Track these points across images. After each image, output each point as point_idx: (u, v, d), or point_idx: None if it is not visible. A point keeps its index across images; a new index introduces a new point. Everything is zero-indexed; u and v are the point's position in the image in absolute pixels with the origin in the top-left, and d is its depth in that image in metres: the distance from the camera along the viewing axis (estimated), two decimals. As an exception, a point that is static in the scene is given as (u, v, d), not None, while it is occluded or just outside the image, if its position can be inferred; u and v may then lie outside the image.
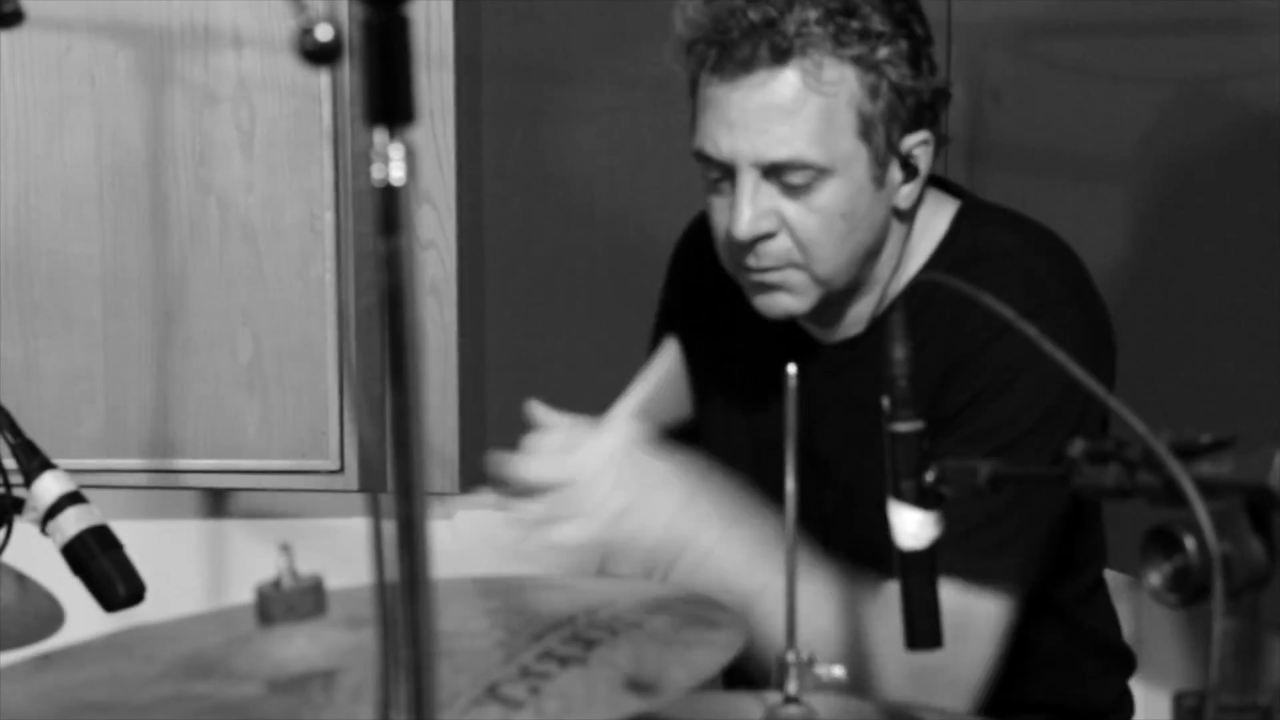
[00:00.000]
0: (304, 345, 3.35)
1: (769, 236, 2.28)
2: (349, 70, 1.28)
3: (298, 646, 1.62)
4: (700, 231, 2.53)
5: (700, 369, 2.51)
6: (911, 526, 1.87)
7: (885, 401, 1.89)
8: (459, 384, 3.39)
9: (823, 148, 2.25)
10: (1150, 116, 3.09)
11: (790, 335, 2.43)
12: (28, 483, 2.28)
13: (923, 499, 1.86)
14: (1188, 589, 1.48)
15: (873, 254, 2.36)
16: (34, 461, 2.29)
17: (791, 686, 1.86)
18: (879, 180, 2.30)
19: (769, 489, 2.37)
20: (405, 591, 1.25)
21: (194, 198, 3.34)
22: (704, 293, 2.55)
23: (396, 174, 1.22)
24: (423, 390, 1.25)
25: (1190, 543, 1.48)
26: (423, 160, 2.92)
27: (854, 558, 2.41)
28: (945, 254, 2.39)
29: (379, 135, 1.23)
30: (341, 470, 3.37)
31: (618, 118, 3.31)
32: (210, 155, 3.33)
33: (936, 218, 2.41)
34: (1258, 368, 2.98)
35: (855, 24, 2.25)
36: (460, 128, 3.32)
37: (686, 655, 1.63)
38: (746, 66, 2.24)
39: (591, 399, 3.39)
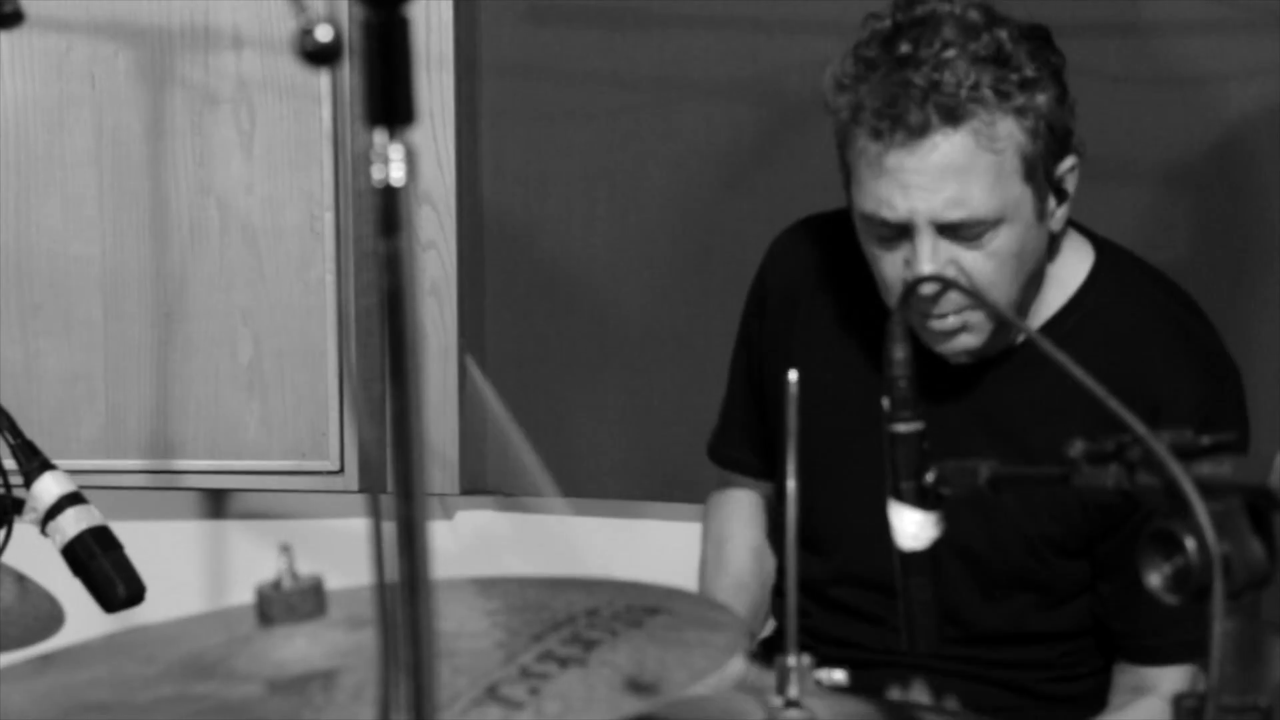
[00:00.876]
0: (304, 346, 3.35)
1: None
2: (349, 71, 1.28)
3: (298, 647, 1.62)
4: (798, 238, 2.61)
5: (812, 367, 2.52)
6: (911, 528, 1.87)
7: (885, 402, 1.89)
8: (459, 385, 3.38)
9: (996, 200, 2.31)
10: (1150, 116, 3.08)
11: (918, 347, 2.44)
12: (28, 483, 2.28)
13: (922, 500, 1.86)
14: (1188, 589, 1.48)
15: (1035, 283, 2.43)
16: (34, 462, 2.29)
17: (793, 690, 1.86)
18: (1041, 214, 2.37)
19: (878, 488, 2.41)
20: (405, 592, 1.25)
21: (194, 198, 3.33)
22: (816, 293, 2.58)
23: (396, 175, 1.22)
24: (422, 391, 1.24)
25: (1190, 543, 1.48)
26: (422, 161, 2.91)
27: (971, 581, 2.44)
28: (1090, 294, 2.47)
29: (379, 136, 1.23)
30: (341, 471, 3.37)
31: (618, 118, 3.30)
32: (210, 156, 3.33)
33: (1077, 255, 2.49)
34: (1258, 368, 2.98)
35: (1014, 76, 2.29)
36: (460, 128, 3.32)
37: (687, 656, 1.63)
38: (920, 132, 2.28)
39: (591, 400, 3.39)
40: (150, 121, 3.32)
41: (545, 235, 3.37)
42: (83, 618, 2.20)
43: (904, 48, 2.29)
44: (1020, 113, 2.29)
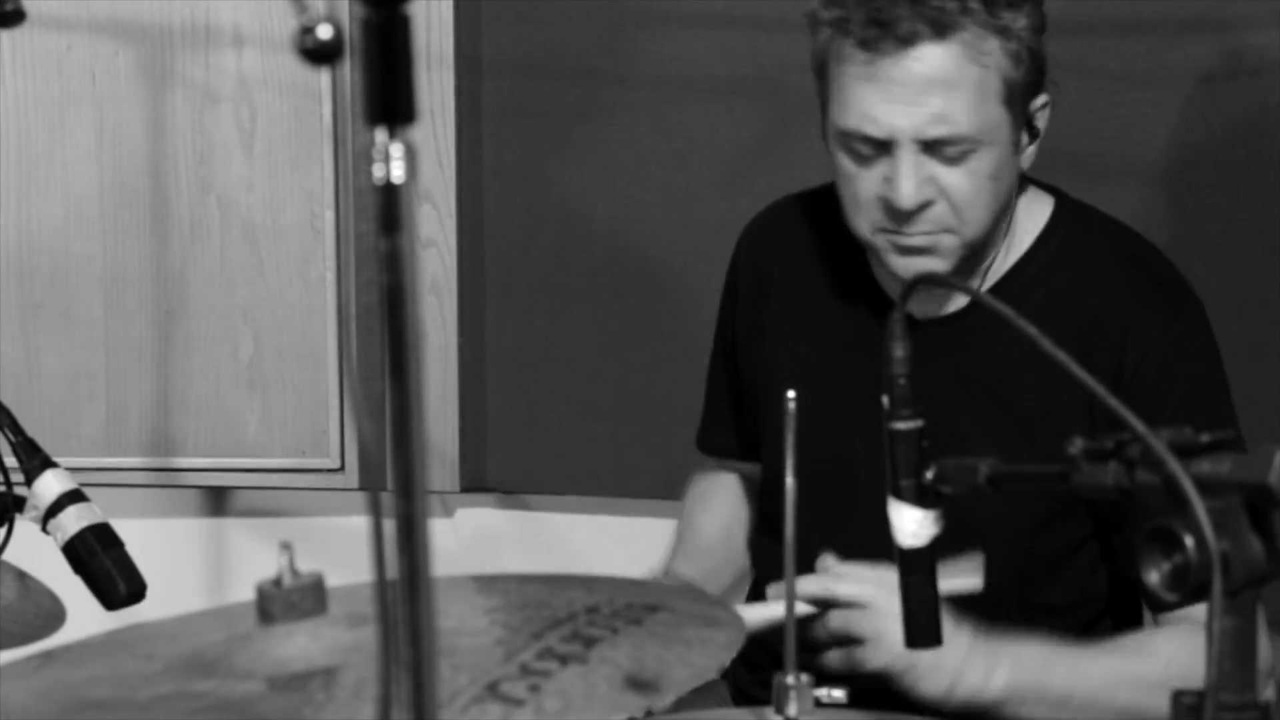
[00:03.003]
0: (304, 344, 3.35)
1: (927, 204, 2.34)
2: (350, 69, 1.28)
3: (298, 644, 1.63)
4: (770, 219, 2.64)
5: (789, 344, 2.57)
6: (911, 525, 1.88)
7: (884, 400, 1.89)
8: (459, 382, 3.39)
9: (978, 119, 2.31)
10: (1150, 116, 3.09)
11: (885, 308, 2.43)
12: (29, 481, 2.29)
13: (922, 497, 1.86)
14: (1186, 587, 1.48)
15: (1005, 217, 2.43)
16: (35, 460, 2.29)
17: (792, 709, 1.86)
18: (1016, 144, 2.37)
19: (861, 462, 2.40)
20: (405, 590, 1.26)
21: (195, 197, 3.34)
22: (788, 272, 2.59)
23: (397, 173, 1.23)
24: (423, 388, 1.25)
25: (1189, 541, 1.48)
26: (423, 159, 2.91)
27: (952, 541, 2.42)
28: (1050, 241, 2.47)
29: (379, 134, 1.23)
30: (342, 468, 3.37)
31: (618, 117, 3.31)
32: (211, 154, 3.33)
33: (1036, 206, 2.50)
34: (1258, 368, 2.98)
35: None
36: (460, 126, 3.32)
37: (686, 654, 1.63)
38: (908, 42, 2.28)
39: (591, 397, 3.40)
40: (151, 119, 3.33)
41: (545, 233, 3.37)
42: (84, 615, 2.21)
43: None
44: (1004, 33, 2.30)
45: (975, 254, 2.42)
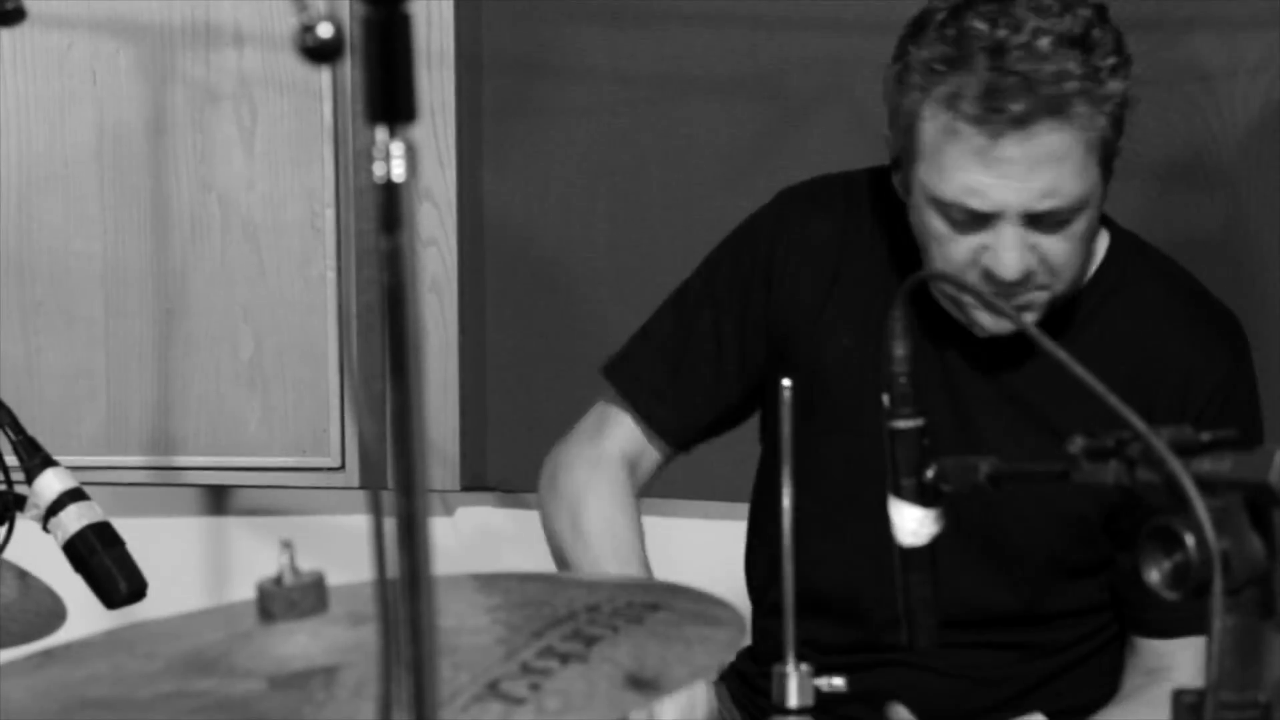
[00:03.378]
0: (305, 342, 3.35)
1: (1028, 271, 2.31)
2: (350, 68, 1.28)
3: (299, 643, 1.63)
4: (817, 199, 2.54)
5: (835, 332, 2.50)
6: (911, 524, 1.88)
7: (885, 398, 1.89)
8: (460, 381, 3.39)
9: (1082, 188, 2.29)
10: (1150, 114, 3.08)
11: (938, 317, 2.42)
12: (29, 480, 2.29)
13: (922, 496, 1.86)
14: (1187, 586, 1.49)
15: (1089, 262, 2.43)
16: (35, 458, 2.29)
17: (792, 699, 1.86)
18: (1104, 195, 2.35)
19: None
20: (406, 588, 1.26)
21: (195, 195, 3.34)
22: (845, 257, 2.52)
23: (397, 171, 1.23)
24: (423, 387, 1.25)
25: (1190, 540, 1.48)
26: (423, 157, 2.90)
27: (984, 551, 2.42)
28: (1109, 274, 2.46)
29: (380, 132, 1.23)
30: (342, 467, 3.37)
31: (618, 115, 3.31)
32: (211, 153, 3.33)
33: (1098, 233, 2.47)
34: (1258, 368, 2.98)
35: (1101, 62, 2.27)
36: (461, 125, 3.32)
37: (687, 653, 1.63)
38: (1024, 122, 2.25)
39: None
40: (151, 118, 3.32)
41: (546, 232, 3.37)
42: (84, 614, 2.21)
43: (1000, 32, 2.26)
44: (1109, 101, 2.29)
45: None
